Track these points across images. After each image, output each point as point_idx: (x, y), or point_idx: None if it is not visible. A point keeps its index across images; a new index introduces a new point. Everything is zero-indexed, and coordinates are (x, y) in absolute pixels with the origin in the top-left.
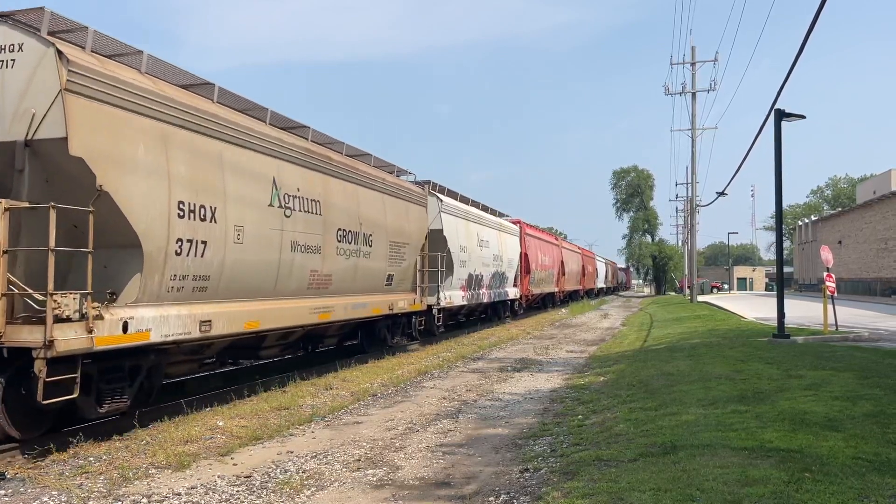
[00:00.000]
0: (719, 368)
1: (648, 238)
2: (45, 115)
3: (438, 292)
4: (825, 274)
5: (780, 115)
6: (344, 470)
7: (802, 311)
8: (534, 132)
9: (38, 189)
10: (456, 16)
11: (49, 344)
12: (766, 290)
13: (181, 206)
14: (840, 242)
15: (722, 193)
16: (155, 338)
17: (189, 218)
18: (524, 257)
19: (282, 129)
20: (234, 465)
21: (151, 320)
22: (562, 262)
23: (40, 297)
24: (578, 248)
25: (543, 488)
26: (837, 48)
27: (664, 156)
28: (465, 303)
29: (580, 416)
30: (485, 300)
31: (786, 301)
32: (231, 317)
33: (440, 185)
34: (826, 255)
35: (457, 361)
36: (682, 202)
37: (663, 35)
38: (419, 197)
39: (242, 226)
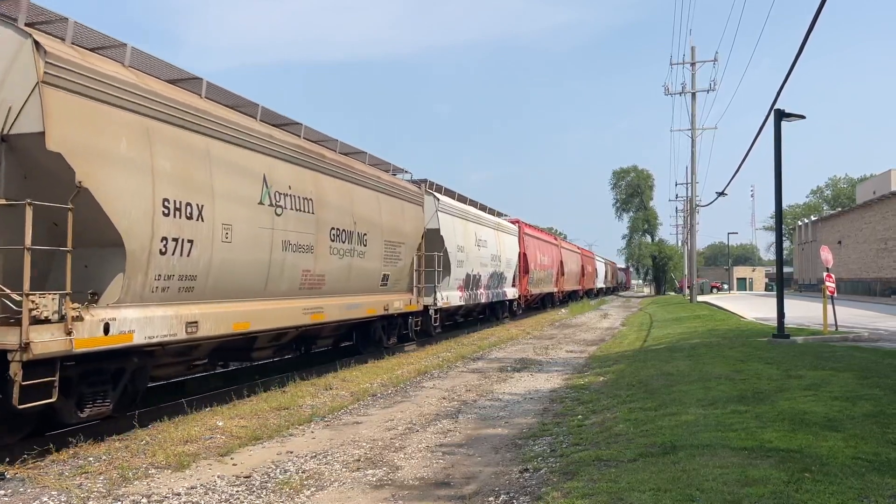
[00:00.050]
0: (719, 368)
1: (648, 238)
2: (21, 109)
3: (435, 293)
4: (825, 274)
5: (780, 115)
6: (344, 470)
7: (802, 312)
8: (533, 132)
9: (15, 185)
10: (456, 16)
11: (25, 346)
12: (765, 290)
13: (166, 203)
14: (840, 242)
15: (722, 193)
16: (139, 339)
17: (174, 216)
18: (523, 257)
19: (273, 125)
20: (234, 465)
21: (135, 321)
22: (561, 262)
23: (18, 298)
24: (578, 248)
25: (543, 488)
26: (837, 48)
27: (664, 156)
28: (463, 303)
29: (580, 417)
30: (483, 300)
31: (785, 301)
32: (219, 318)
33: (437, 184)
34: (826, 255)
35: (456, 361)
36: (682, 202)
37: (663, 35)
38: (415, 195)
39: (231, 224)
